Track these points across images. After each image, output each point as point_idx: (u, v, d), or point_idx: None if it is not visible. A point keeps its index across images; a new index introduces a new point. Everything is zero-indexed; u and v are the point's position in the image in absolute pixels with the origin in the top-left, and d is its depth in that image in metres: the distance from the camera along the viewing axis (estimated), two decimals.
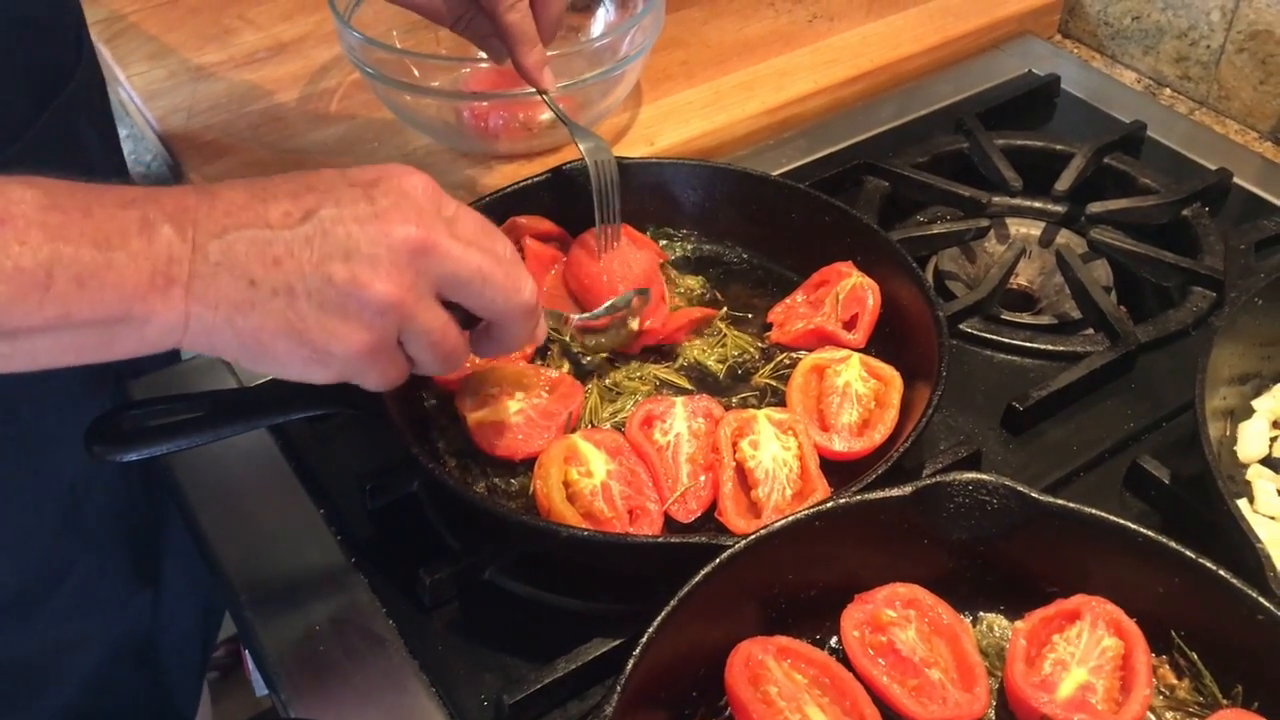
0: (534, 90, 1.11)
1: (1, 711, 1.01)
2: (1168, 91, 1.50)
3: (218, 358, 1.07)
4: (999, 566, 0.81)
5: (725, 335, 1.06)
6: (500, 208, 1.07)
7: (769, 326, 1.07)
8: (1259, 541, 0.80)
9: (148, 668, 1.19)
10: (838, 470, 0.93)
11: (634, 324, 1.03)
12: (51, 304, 0.62)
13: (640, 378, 1.02)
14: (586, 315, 1.02)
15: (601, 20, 1.36)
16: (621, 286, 1.04)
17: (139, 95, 1.37)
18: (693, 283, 1.11)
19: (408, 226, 0.71)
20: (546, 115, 1.23)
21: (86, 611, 1.08)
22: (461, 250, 0.73)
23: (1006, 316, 1.15)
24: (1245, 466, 0.97)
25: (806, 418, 0.95)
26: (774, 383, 1.01)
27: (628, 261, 1.06)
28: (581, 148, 1.05)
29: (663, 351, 1.05)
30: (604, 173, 1.05)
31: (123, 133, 1.44)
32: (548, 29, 1.06)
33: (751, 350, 1.04)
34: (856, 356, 1.00)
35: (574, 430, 0.95)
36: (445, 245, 0.72)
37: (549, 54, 1.11)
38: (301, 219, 0.69)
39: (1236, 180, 1.29)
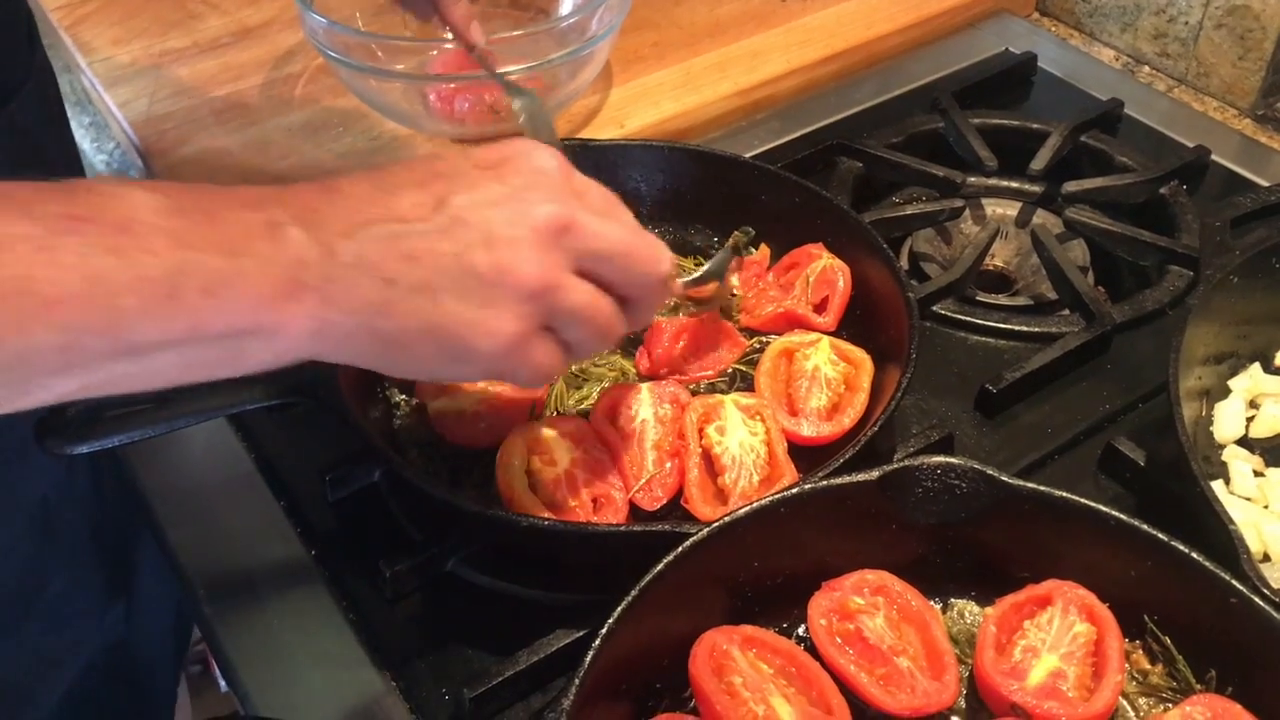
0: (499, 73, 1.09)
1: None
2: (1146, 69, 1.48)
3: None
4: (969, 552, 0.80)
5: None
6: None
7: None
8: (1232, 523, 0.78)
9: (124, 680, 1.18)
10: (808, 455, 0.91)
11: (735, 281, 1.03)
12: (180, 316, 0.57)
13: (607, 364, 1.00)
14: (689, 279, 0.97)
15: None
16: None
17: (100, 82, 1.34)
18: None
19: (547, 205, 0.67)
20: None
21: (63, 627, 1.06)
22: (600, 224, 0.70)
23: (982, 298, 1.13)
24: (1222, 447, 0.96)
25: (775, 402, 0.94)
26: (743, 368, 1.00)
27: None
28: (515, 105, 1.05)
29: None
30: (539, 127, 1.04)
31: (85, 121, 1.41)
32: None
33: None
34: (826, 340, 0.98)
35: (538, 418, 0.93)
36: (584, 220, 0.69)
37: (515, 34, 1.09)
38: (434, 208, 0.65)
39: (1215, 158, 1.27)
